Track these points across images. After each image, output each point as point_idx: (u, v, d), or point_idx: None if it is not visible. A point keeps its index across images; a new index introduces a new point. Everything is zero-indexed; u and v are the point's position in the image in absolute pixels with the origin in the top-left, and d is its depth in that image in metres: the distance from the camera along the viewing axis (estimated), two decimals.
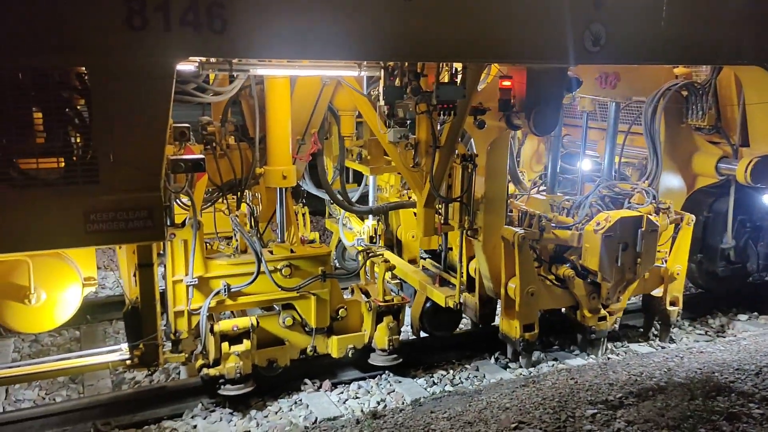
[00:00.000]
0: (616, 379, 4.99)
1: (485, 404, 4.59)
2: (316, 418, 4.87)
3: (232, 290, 4.84)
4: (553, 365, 5.86)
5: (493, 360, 5.93)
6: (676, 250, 6.15)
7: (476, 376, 5.67)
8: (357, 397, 5.28)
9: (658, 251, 6.05)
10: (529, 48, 4.55)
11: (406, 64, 4.50)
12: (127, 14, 3.51)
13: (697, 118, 6.22)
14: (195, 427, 4.82)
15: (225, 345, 4.82)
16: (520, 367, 5.72)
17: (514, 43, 4.46)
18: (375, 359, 5.49)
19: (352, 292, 5.74)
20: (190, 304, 4.69)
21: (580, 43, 4.74)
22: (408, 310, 6.16)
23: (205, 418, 4.90)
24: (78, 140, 3.64)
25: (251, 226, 5.48)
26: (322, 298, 5.18)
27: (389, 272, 5.67)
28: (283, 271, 4.98)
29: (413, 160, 5.40)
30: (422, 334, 6.26)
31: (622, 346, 6.33)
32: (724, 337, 6.68)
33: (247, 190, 5.42)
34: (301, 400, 5.20)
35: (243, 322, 4.87)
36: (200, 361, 4.91)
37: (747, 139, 6.28)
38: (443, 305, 5.56)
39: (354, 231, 7.14)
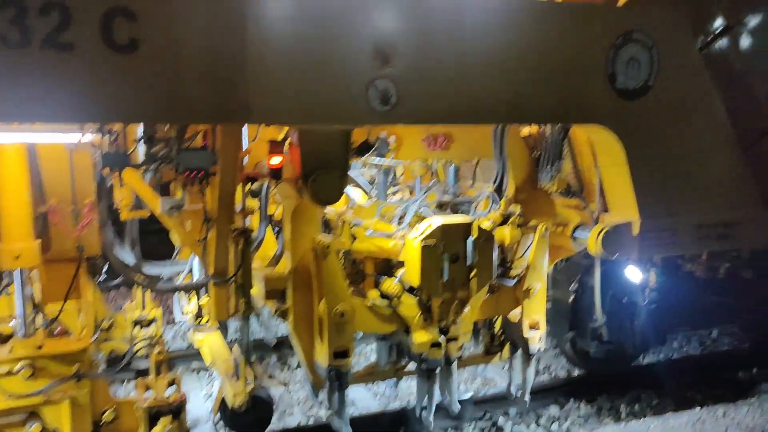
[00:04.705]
0: None
1: None
2: None
3: None
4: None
5: None
6: (533, 264, 5.39)
7: None
8: None
9: (513, 266, 5.38)
10: (298, 108, 3.93)
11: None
12: None
13: (546, 182, 5.59)
14: None
15: None
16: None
17: (276, 103, 3.84)
18: None
19: (136, 386, 4.95)
20: None
21: (365, 103, 4.14)
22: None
23: None
24: None
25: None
26: (79, 401, 4.37)
27: None
28: (22, 373, 4.20)
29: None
30: None
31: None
32: None
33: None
34: None
35: None
36: None
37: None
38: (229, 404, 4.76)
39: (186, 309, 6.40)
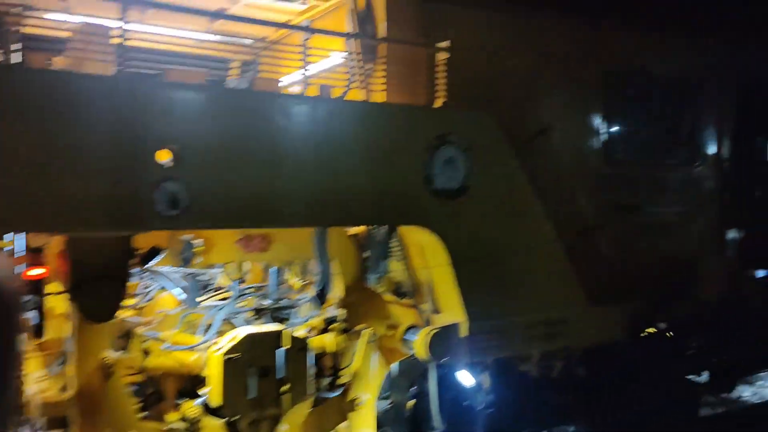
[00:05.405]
0: None
1: None
2: None
3: None
4: None
5: None
6: (358, 373, 5.10)
7: None
8: None
9: (340, 375, 5.06)
10: (64, 213, 3.51)
11: None
12: None
13: (373, 282, 5.37)
14: None
15: None
16: None
17: (32, 206, 3.40)
18: None
19: None
20: None
21: (149, 206, 3.76)
22: None
23: None
24: None
25: None
26: None
27: None
28: None
29: None
30: None
31: None
32: None
33: None
34: None
35: None
36: None
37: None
38: None
39: None
